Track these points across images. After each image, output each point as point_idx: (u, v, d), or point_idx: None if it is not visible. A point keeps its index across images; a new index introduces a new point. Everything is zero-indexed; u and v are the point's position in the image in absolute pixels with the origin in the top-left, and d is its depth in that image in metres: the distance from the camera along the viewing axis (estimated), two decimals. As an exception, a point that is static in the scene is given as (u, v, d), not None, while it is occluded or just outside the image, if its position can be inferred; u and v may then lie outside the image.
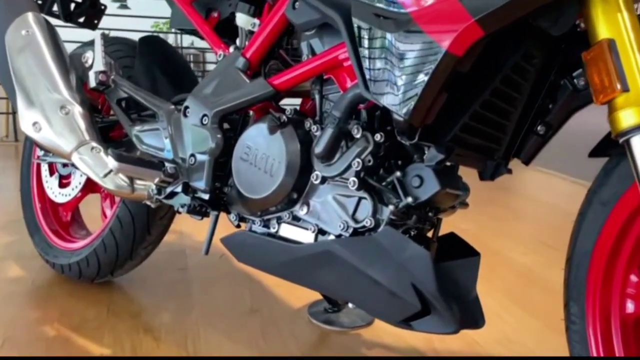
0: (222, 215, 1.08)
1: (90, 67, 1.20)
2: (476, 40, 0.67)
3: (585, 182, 2.92)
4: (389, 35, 0.73)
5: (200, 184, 1.04)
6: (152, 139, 1.15)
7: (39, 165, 1.62)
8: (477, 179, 0.90)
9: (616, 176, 0.74)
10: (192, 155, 1.06)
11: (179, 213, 1.13)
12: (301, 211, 0.93)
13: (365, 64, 0.77)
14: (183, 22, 1.20)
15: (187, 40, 5.09)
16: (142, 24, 4.23)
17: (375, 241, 0.82)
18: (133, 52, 1.40)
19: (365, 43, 0.77)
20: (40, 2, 1.46)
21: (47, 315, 1.36)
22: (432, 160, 0.79)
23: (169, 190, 1.13)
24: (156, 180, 1.12)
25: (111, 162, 1.10)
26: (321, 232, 0.91)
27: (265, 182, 0.93)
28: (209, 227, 1.08)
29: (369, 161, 0.84)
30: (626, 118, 0.64)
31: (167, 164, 1.13)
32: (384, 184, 0.84)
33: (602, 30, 0.65)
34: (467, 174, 0.88)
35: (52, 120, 1.19)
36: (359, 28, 0.77)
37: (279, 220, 0.96)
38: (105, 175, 1.15)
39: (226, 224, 1.08)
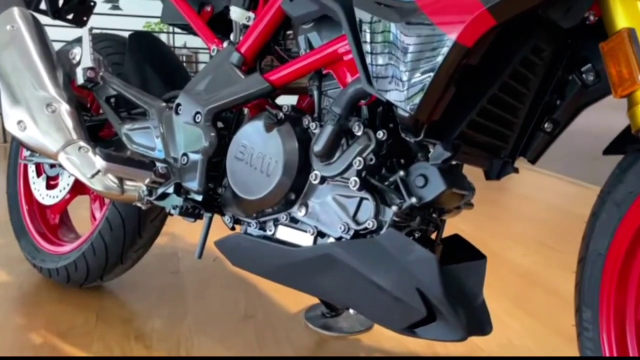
0: (216, 217, 1.05)
1: (78, 63, 1.17)
2: (487, 30, 0.64)
3: (581, 182, 2.92)
4: (393, 26, 0.70)
5: (193, 184, 1.01)
6: (142, 137, 1.12)
7: (25, 166, 1.58)
8: (474, 178, 0.87)
9: (632, 175, 0.71)
10: (185, 154, 1.02)
11: (171, 215, 1.10)
12: (299, 213, 0.89)
13: (368, 57, 0.74)
14: (175, 16, 1.17)
15: (179, 40, 5.07)
16: (133, 23, 4.20)
17: (378, 244, 0.79)
18: (123, 48, 1.37)
19: (368, 35, 0.73)
20: (27, -2, 1.42)
21: (34, 322, 1.31)
22: (438, 159, 0.75)
23: (160, 191, 1.09)
24: (147, 180, 1.09)
25: (99, 162, 1.07)
26: (320, 234, 0.87)
27: (261, 182, 0.90)
28: (202, 229, 1.05)
29: (371, 160, 0.81)
30: (647, 113, 0.61)
31: (158, 164, 1.10)
32: (386, 183, 0.81)
33: (621, 20, 0.62)
34: (466, 174, 0.85)
35: (37, 118, 1.16)
36: (361, 19, 0.74)
37: (276, 222, 0.93)
38: (93, 176, 1.11)
39: (220, 227, 1.04)
